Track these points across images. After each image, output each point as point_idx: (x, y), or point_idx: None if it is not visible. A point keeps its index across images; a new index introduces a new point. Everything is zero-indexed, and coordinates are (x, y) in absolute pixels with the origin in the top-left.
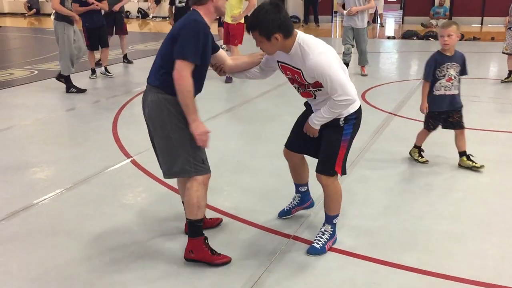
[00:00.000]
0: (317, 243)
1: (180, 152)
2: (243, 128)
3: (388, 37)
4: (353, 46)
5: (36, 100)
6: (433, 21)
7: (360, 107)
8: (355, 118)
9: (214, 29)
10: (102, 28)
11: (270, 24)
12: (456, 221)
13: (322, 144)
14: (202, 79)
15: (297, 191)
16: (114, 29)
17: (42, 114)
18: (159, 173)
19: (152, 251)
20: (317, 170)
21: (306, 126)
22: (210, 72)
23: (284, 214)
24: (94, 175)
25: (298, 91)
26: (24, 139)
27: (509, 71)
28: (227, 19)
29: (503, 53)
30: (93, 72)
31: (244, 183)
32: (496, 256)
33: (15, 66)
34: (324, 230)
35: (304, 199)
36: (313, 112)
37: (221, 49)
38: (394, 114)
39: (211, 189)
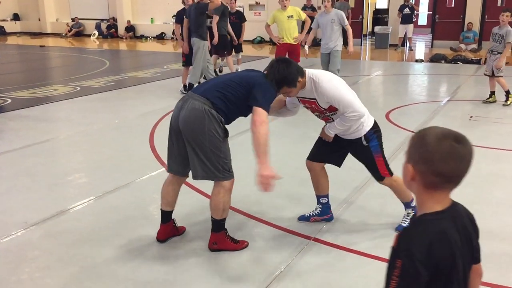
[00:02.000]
0: (404, 223)
1: (211, 158)
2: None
3: (416, 60)
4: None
5: (79, 113)
6: (462, 46)
7: (375, 122)
8: (375, 132)
9: None
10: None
11: (292, 76)
12: None
13: (364, 163)
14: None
15: (318, 202)
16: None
17: (84, 127)
18: (190, 180)
19: (179, 248)
20: (377, 180)
21: (322, 133)
22: None
23: (304, 219)
24: (132, 181)
25: (319, 118)
26: (67, 148)
27: (491, 92)
28: (288, 40)
29: (485, 74)
30: (185, 87)
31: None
32: (502, 260)
33: (59, 83)
34: (407, 214)
35: (324, 211)
36: None
37: None
38: None
39: (243, 194)
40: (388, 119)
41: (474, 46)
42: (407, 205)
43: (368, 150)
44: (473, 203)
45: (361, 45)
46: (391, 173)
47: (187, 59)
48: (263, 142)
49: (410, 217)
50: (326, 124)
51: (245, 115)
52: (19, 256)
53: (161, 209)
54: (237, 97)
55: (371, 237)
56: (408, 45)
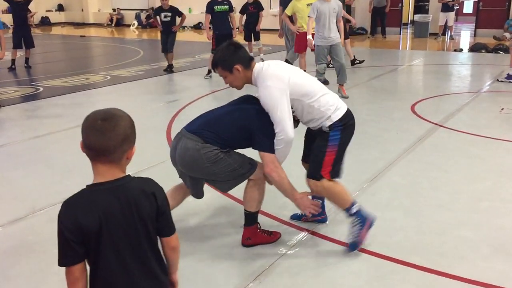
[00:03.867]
0: (352, 238)
1: (227, 175)
2: None
3: (455, 50)
4: (328, 65)
5: (104, 103)
6: (507, 34)
7: (345, 114)
8: (342, 125)
9: None
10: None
11: (228, 58)
12: (476, 229)
13: (312, 153)
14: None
15: None
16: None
17: None
18: None
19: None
20: (306, 174)
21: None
22: None
23: (296, 218)
24: (146, 168)
25: None
26: None
27: None
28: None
29: None
30: (209, 72)
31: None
32: (507, 262)
33: (91, 72)
34: (352, 223)
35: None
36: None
37: None
38: (439, 125)
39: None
40: (413, 111)
41: None
42: (346, 213)
43: (325, 137)
44: (485, 199)
45: (400, 34)
46: (334, 176)
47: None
48: (286, 187)
49: (357, 223)
50: None
51: (244, 147)
52: (21, 240)
53: None
54: (231, 138)
55: (372, 232)
56: (449, 34)
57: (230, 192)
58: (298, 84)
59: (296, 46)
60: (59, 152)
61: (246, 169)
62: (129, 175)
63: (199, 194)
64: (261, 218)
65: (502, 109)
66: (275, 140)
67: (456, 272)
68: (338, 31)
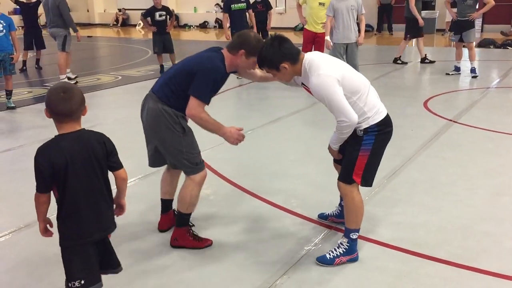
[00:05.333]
0: (329, 254)
1: (175, 154)
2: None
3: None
4: None
5: (117, 102)
6: None
7: (383, 120)
8: (377, 131)
9: None
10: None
11: (273, 58)
12: (497, 223)
13: (345, 156)
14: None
15: (340, 204)
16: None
17: (121, 115)
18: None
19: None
20: (338, 177)
21: (328, 148)
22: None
23: (322, 217)
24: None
25: None
26: None
27: None
28: (314, 28)
29: None
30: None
31: (301, 177)
32: None
33: (102, 72)
34: (340, 243)
35: (342, 214)
36: None
37: None
38: (454, 121)
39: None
40: (426, 107)
41: None
42: (346, 232)
43: (358, 141)
44: (504, 194)
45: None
46: (364, 184)
47: None
48: (210, 127)
49: (342, 247)
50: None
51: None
52: (43, 240)
53: (160, 198)
54: (184, 89)
55: (395, 228)
56: None
57: (247, 187)
58: (349, 78)
59: (303, 42)
60: None
61: (191, 162)
62: (84, 128)
63: (154, 163)
64: (281, 213)
65: None
66: (337, 125)
67: (482, 266)
68: (359, 29)
